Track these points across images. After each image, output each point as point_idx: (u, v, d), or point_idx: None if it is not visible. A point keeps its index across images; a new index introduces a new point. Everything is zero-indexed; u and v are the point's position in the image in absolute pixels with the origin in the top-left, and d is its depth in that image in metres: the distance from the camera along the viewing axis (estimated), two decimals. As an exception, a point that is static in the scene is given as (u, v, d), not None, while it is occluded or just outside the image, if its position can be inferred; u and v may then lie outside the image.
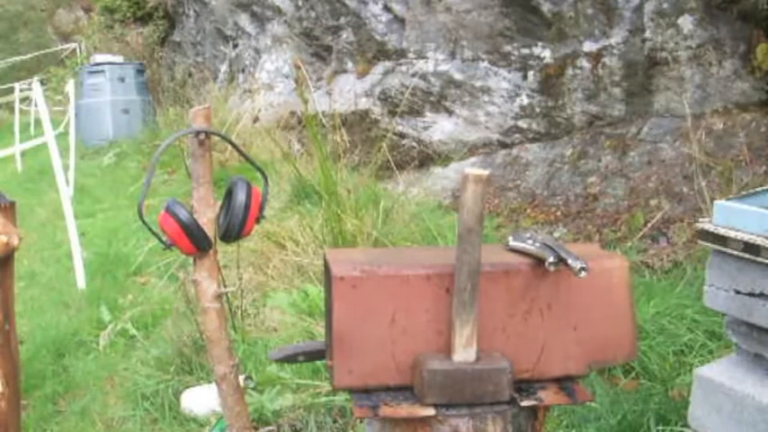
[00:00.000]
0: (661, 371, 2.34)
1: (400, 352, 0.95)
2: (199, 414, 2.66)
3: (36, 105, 8.10)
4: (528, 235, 1.03)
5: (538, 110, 4.63)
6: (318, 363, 2.35)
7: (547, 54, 4.57)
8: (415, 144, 5.37)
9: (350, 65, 6.25)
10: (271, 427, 2.36)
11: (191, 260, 1.56)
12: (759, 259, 1.49)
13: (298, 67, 5.85)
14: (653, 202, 3.71)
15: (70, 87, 8.98)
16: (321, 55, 6.75)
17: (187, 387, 2.81)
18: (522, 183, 4.53)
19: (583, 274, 0.93)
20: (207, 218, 1.51)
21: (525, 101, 4.69)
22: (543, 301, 0.97)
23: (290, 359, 1.17)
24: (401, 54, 5.57)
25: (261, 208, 1.53)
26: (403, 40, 5.56)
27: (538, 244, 0.99)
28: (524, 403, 0.94)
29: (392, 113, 5.45)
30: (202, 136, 1.48)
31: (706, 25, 3.78)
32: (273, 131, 6.21)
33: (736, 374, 1.60)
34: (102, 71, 10.23)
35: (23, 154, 9.17)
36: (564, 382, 0.99)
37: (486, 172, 0.92)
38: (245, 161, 1.68)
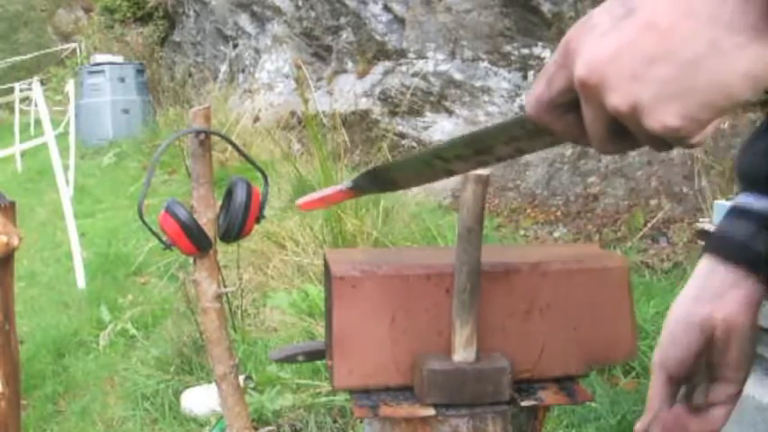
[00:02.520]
0: (661, 371, 2.34)
1: (400, 352, 0.95)
2: (199, 414, 2.66)
3: (36, 105, 8.10)
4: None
5: (538, 110, 4.63)
6: (318, 363, 2.35)
7: (547, 54, 4.57)
8: (415, 144, 5.37)
9: (350, 65, 6.25)
10: (271, 427, 2.36)
11: (191, 260, 1.56)
12: (759, 259, 1.49)
13: (298, 67, 5.86)
14: (653, 202, 3.71)
15: (70, 87, 8.98)
16: (321, 55, 6.75)
17: (187, 387, 2.81)
18: (522, 183, 4.53)
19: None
20: (207, 218, 1.51)
21: (525, 101, 4.69)
22: (543, 301, 0.97)
23: (290, 359, 1.17)
24: (401, 54, 5.57)
25: (261, 208, 1.52)
26: (403, 40, 5.56)
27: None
28: (524, 403, 0.94)
29: (392, 113, 5.46)
30: (202, 136, 1.47)
31: (706, 25, 3.78)
32: (273, 131, 6.21)
33: (737, 374, 1.60)
34: (102, 71, 10.23)
35: (23, 154, 9.17)
36: (564, 382, 0.99)
37: (486, 172, 0.92)
38: (245, 161, 1.68)
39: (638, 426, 0.76)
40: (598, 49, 0.47)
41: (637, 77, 0.46)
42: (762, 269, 0.70)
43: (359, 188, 0.88)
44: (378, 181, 0.85)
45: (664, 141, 0.49)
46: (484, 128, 0.67)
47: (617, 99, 0.47)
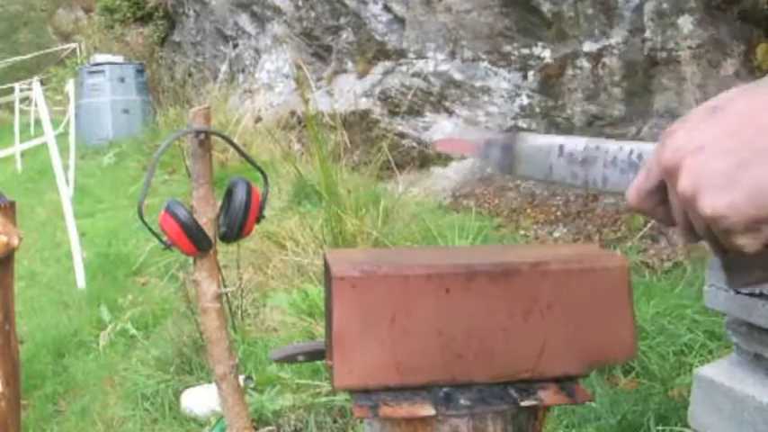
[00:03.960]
0: (661, 371, 2.34)
1: (400, 352, 0.95)
2: (199, 414, 2.66)
3: (36, 105, 8.10)
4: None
5: (538, 110, 4.63)
6: (318, 363, 2.34)
7: (547, 54, 4.57)
8: (415, 144, 5.37)
9: (350, 65, 6.25)
10: (271, 427, 2.36)
11: (191, 260, 1.56)
12: (759, 259, 1.49)
13: (298, 67, 5.86)
14: (653, 202, 3.70)
15: (70, 87, 8.99)
16: (321, 55, 6.75)
17: (187, 387, 2.81)
18: (522, 183, 4.53)
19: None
20: (207, 218, 1.51)
21: (525, 101, 4.69)
22: (543, 301, 0.97)
23: (290, 359, 1.17)
24: (401, 54, 5.57)
25: (261, 208, 1.52)
26: (403, 40, 5.56)
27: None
28: (524, 403, 0.94)
29: (392, 113, 5.45)
30: (202, 136, 1.47)
31: (706, 25, 3.78)
32: (274, 131, 6.22)
33: (737, 374, 1.60)
34: (102, 71, 10.24)
35: (23, 154, 9.18)
36: (564, 382, 0.99)
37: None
38: (245, 161, 1.68)
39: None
40: (685, 140, 0.53)
41: (705, 167, 0.51)
42: None
43: (489, 155, 0.85)
44: (509, 154, 0.82)
45: (717, 240, 0.53)
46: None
47: (684, 181, 0.52)
